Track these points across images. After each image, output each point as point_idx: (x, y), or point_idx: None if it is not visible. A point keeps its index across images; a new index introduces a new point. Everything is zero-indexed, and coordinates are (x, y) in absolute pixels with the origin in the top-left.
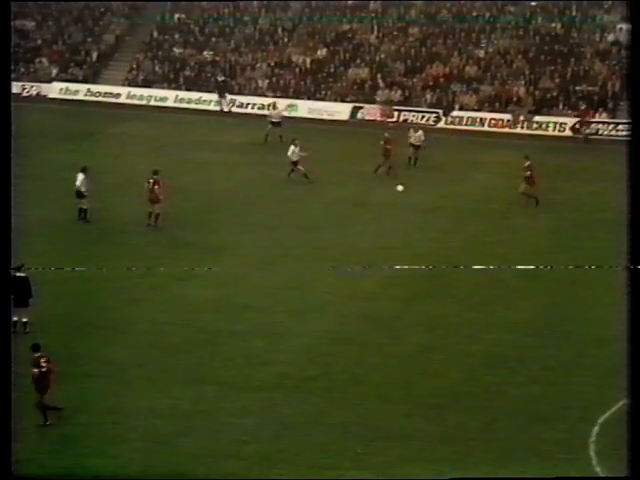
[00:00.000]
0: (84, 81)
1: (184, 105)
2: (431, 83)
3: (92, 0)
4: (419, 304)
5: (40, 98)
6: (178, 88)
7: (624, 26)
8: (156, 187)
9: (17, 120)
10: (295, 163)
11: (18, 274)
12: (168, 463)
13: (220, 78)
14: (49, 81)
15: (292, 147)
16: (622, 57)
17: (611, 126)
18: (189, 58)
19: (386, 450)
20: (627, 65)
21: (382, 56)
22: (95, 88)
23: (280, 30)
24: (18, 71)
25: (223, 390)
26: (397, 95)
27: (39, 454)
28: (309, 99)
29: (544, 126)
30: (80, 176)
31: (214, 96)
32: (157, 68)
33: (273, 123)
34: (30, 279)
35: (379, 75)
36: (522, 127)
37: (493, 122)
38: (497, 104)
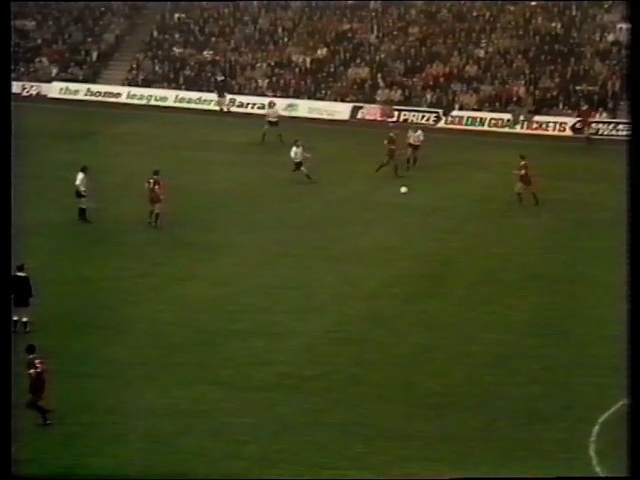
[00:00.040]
0: (84, 81)
1: (184, 105)
2: (431, 83)
3: (92, 0)
4: (419, 304)
5: (40, 98)
6: (178, 88)
7: (624, 26)
8: (156, 187)
9: (17, 120)
10: (299, 164)
11: (18, 274)
12: (168, 463)
13: (219, 78)
14: (49, 81)
15: (294, 148)
16: (622, 57)
17: (611, 126)
18: (189, 58)
19: (386, 450)
20: (627, 65)
21: (382, 56)
22: (95, 88)
23: (280, 30)
24: (18, 71)
25: (223, 390)
26: (397, 95)
27: (39, 454)
28: (309, 99)
29: (544, 126)
30: (80, 176)
31: (214, 96)
32: (157, 68)
33: (270, 122)
34: (30, 279)
35: (379, 75)
36: (522, 127)
37: (493, 122)
38: (497, 104)
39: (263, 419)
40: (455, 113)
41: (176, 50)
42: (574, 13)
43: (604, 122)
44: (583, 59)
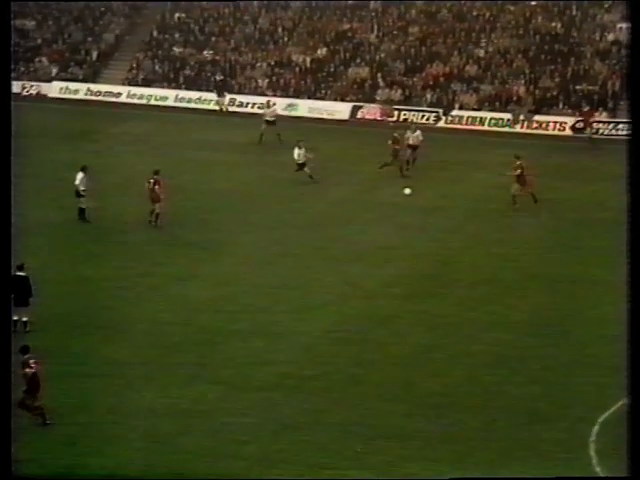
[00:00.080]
0: (84, 80)
1: (184, 104)
2: (431, 82)
3: (92, 0)
4: (419, 304)
5: (40, 97)
6: (178, 87)
7: (624, 25)
8: (157, 187)
9: (17, 119)
10: (302, 165)
11: (18, 273)
12: (168, 463)
13: (219, 77)
14: (49, 80)
15: (297, 149)
16: (622, 56)
17: (611, 125)
18: (189, 57)
19: (386, 449)
20: (627, 64)
21: (382, 55)
22: (95, 87)
23: (280, 29)
24: (18, 70)
25: (223, 390)
26: (397, 94)
27: (39, 454)
28: (309, 98)
29: (544, 125)
30: (79, 175)
31: (214, 95)
32: (157, 67)
33: (267, 122)
34: (30, 278)
35: (379, 74)
36: (522, 126)
37: (493, 121)
38: (497, 103)
39: (263, 419)
40: (455, 113)
41: (176, 50)
42: (574, 13)
43: (604, 122)
44: (583, 59)
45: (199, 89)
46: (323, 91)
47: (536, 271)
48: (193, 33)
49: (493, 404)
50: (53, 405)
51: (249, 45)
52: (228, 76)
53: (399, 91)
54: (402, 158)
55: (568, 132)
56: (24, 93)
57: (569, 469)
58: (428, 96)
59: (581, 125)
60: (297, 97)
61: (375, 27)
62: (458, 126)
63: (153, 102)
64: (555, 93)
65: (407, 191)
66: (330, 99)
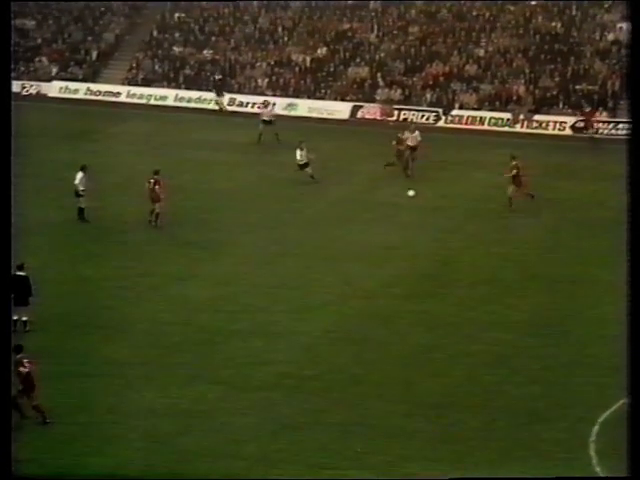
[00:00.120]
0: (84, 80)
1: (184, 104)
2: (431, 82)
3: (92, 0)
4: (419, 303)
5: (40, 97)
6: (178, 87)
7: (624, 25)
8: (157, 187)
9: (17, 119)
10: (304, 166)
11: (18, 273)
12: (168, 462)
13: (217, 77)
14: (49, 80)
15: (299, 150)
16: (622, 56)
17: (611, 125)
18: (189, 57)
19: (386, 449)
20: (627, 64)
21: (382, 55)
22: (95, 87)
23: (280, 29)
24: (18, 70)
25: (223, 389)
26: (397, 94)
27: (39, 454)
28: (309, 98)
29: (544, 125)
30: (79, 175)
31: (213, 95)
32: (157, 67)
33: (265, 122)
34: (30, 278)
35: (379, 74)
36: (522, 126)
37: (493, 121)
38: (497, 103)
39: (263, 419)
40: (455, 112)
41: (176, 49)
42: (574, 12)
43: (604, 121)
44: (583, 58)
45: (199, 89)
46: (323, 91)
47: (536, 271)
48: (193, 33)
49: (493, 404)
50: (53, 405)
51: (249, 45)
52: (228, 76)
53: (399, 91)
54: (407, 159)
55: (568, 132)
56: (24, 93)
57: (569, 469)
58: (428, 96)
59: (582, 125)
60: (297, 97)
61: (375, 27)
62: (458, 126)
63: (153, 102)
64: (555, 93)
65: (411, 193)
66: (330, 99)
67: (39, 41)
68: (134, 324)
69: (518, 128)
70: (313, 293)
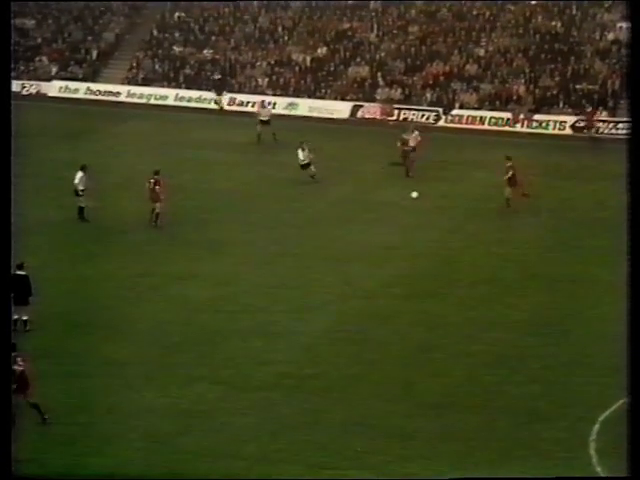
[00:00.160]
0: (84, 79)
1: (184, 104)
2: (431, 81)
3: (92, 0)
4: (419, 303)
5: (40, 96)
6: (178, 86)
7: (624, 25)
8: (157, 187)
9: (17, 118)
10: (306, 166)
11: (18, 272)
12: (168, 462)
13: (217, 76)
14: (49, 79)
15: (300, 151)
16: (622, 56)
17: (611, 125)
18: (189, 56)
19: (386, 449)
20: (627, 64)
21: (382, 54)
22: (95, 86)
23: (280, 28)
24: (18, 69)
25: (223, 389)
26: (397, 93)
27: (39, 454)
28: (309, 97)
29: (544, 124)
30: (79, 174)
31: (213, 94)
32: (157, 66)
33: (262, 122)
34: (30, 277)
35: (379, 73)
36: (522, 126)
37: (493, 121)
38: (497, 103)
39: (263, 419)
40: (455, 112)
41: (176, 49)
42: (574, 12)
43: (604, 121)
44: (583, 58)
45: (199, 88)
46: (323, 90)
47: (536, 270)
48: (193, 32)
49: (493, 404)
50: (53, 405)
51: (249, 44)
52: (228, 75)
53: (399, 90)
54: (412, 160)
55: (568, 131)
56: (24, 92)
57: (569, 468)
58: (428, 95)
59: (582, 124)
60: (297, 96)
61: (375, 26)
62: (458, 125)
63: (153, 101)
64: (555, 92)
65: (414, 194)
66: (330, 98)
67: (39, 40)
68: (134, 324)
69: (518, 128)
70: (313, 293)
